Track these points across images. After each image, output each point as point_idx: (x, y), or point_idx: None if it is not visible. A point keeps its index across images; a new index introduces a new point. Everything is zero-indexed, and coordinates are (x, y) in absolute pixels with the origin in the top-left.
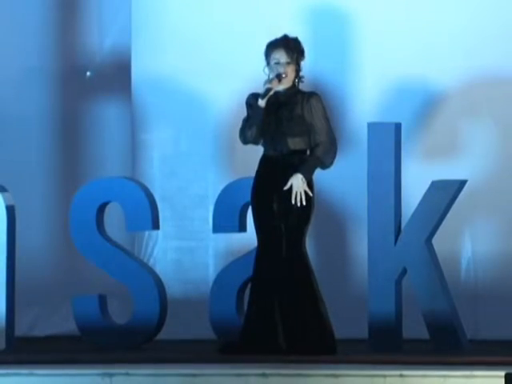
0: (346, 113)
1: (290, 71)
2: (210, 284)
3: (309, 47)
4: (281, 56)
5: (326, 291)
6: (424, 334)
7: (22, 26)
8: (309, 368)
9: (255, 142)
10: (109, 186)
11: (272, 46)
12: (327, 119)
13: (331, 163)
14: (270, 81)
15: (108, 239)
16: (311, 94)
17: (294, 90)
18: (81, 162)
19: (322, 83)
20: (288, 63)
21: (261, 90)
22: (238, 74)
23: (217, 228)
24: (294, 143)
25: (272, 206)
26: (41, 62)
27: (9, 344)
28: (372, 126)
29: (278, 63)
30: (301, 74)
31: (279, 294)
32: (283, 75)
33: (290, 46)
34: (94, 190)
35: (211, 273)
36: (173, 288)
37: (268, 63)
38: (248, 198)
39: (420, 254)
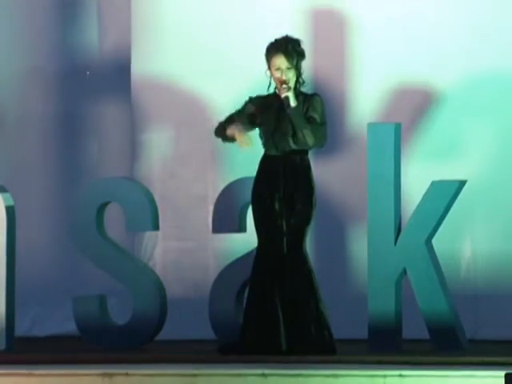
0: (345, 113)
1: (292, 76)
2: (210, 284)
3: (309, 48)
4: (281, 62)
5: (326, 291)
6: (424, 334)
7: (22, 26)
8: (309, 368)
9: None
10: (109, 186)
11: (272, 51)
12: (325, 118)
13: (313, 144)
14: (284, 89)
15: (108, 239)
16: (313, 95)
17: (295, 91)
18: (81, 162)
19: (322, 83)
20: (289, 68)
21: (260, 92)
22: (238, 74)
23: (216, 228)
24: (296, 143)
25: (273, 205)
26: (41, 61)
27: (9, 344)
28: (372, 127)
29: (278, 69)
30: (302, 76)
31: (280, 294)
32: (287, 83)
33: (289, 51)
34: (94, 189)
35: (211, 273)
36: (172, 288)
37: (269, 67)
38: (248, 198)
39: (420, 254)
